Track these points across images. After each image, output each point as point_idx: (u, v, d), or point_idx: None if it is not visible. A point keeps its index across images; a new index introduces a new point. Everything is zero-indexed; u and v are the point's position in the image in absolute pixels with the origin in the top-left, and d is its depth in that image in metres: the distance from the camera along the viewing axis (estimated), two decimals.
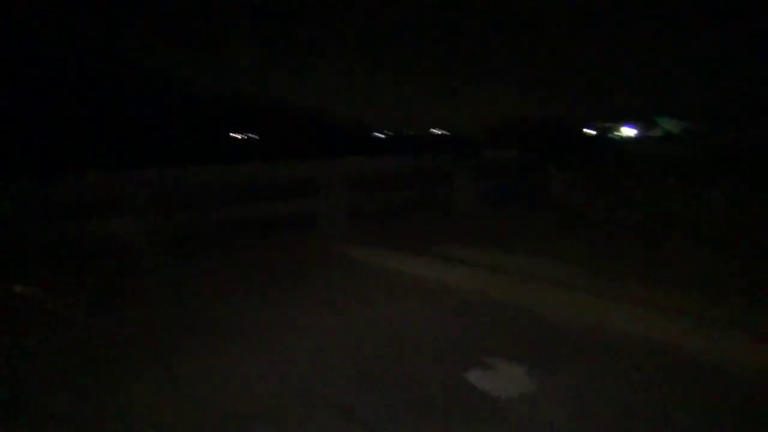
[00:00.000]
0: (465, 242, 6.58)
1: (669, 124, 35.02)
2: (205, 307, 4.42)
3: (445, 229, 7.60)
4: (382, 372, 3.14)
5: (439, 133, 32.98)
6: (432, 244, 6.38)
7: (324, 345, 3.57)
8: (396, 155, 16.64)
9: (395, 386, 3.00)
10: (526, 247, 6.32)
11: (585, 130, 36.16)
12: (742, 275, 5.11)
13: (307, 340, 3.66)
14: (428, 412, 2.71)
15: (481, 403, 2.80)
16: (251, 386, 3.02)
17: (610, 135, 35.22)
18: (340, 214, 8.29)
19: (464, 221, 8.34)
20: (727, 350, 3.40)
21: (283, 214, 7.90)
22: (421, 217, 8.41)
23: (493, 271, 5.29)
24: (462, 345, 3.50)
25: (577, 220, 8.61)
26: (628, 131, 34.44)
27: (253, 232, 7.21)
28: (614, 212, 9.16)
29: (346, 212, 8.42)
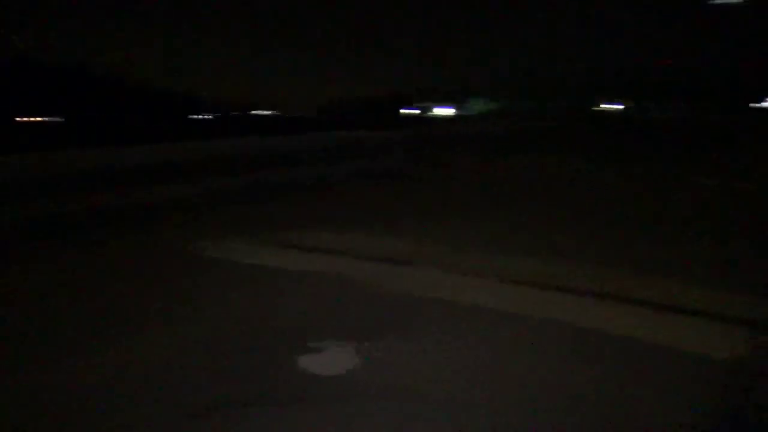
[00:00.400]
0: (305, 225, 6.56)
1: (482, 104, 38.67)
2: (27, 318, 3.83)
3: (289, 213, 7.50)
4: (226, 365, 3.03)
5: (268, 113, 32.28)
6: (275, 230, 6.27)
7: (170, 344, 3.34)
8: (229, 137, 15.84)
9: (242, 377, 2.92)
10: (363, 225, 6.50)
11: (403, 110, 38.27)
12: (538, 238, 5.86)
13: (147, 342, 3.39)
14: (273, 400, 2.68)
15: (328, 384, 2.82)
16: (95, 387, 2.74)
17: (429, 114, 37.80)
18: (185, 203, 7.72)
19: (307, 203, 8.31)
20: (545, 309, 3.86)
21: (117, 207, 7.08)
22: (264, 202, 8.19)
23: (336, 253, 5.35)
24: (302, 330, 3.51)
25: (406, 193, 9.04)
26: (446, 111, 37.30)
27: (75, 228, 6.37)
28: (441, 183, 9.89)
29: (192, 200, 7.85)
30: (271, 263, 4.94)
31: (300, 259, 5.14)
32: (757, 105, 40.07)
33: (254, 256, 5.16)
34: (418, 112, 35.20)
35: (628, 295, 3.98)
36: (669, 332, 3.33)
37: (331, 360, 3.10)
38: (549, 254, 5.09)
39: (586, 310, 3.78)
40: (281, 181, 9.44)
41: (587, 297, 3.98)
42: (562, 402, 2.58)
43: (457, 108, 37.69)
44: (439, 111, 38.23)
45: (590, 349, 3.16)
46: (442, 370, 2.93)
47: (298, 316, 3.72)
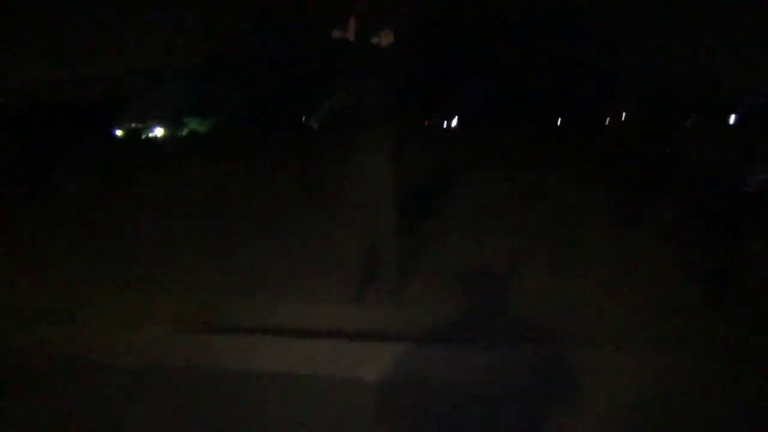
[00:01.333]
0: None
1: (196, 124, 37.09)
2: None
3: None
4: None
5: None
6: None
7: None
8: None
9: None
10: None
11: (119, 131, 34.51)
12: None
13: None
14: None
15: None
16: None
17: (144, 135, 34.72)
18: None
19: None
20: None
21: None
22: None
23: None
24: None
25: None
26: (157, 131, 34.74)
27: None
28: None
29: None
30: None
31: None
32: None
33: None
34: (122, 133, 31.76)
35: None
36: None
37: None
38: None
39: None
40: None
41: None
42: None
43: (170, 128, 35.44)
44: (153, 131, 35.33)
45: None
46: None
47: None
